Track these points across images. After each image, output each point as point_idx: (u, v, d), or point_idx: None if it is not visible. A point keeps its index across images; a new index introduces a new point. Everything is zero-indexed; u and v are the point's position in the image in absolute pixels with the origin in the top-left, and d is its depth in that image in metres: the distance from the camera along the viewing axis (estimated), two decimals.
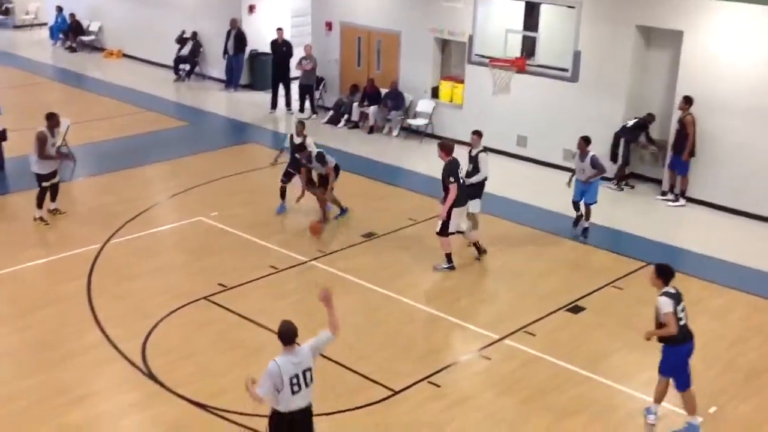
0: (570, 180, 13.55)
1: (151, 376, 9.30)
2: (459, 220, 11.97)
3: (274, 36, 20.60)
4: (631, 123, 15.51)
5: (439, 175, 12.12)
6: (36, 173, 13.29)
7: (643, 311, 11.05)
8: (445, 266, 12.11)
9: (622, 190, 15.66)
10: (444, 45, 18.57)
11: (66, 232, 13.11)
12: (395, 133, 18.82)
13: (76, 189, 15.27)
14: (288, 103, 20.54)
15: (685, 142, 14.64)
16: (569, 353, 10.06)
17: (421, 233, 13.43)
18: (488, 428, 8.67)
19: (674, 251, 13.20)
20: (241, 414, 8.70)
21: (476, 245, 12.46)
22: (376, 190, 15.43)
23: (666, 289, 8.39)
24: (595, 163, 13.02)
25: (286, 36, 20.76)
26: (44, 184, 13.31)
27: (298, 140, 13.81)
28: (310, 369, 7.19)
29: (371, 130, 19.01)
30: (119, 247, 12.62)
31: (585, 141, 13.17)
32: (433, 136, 18.30)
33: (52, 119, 13.32)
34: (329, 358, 9.76)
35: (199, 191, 15.05)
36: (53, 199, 13.60)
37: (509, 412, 8.96)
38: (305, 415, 7.33)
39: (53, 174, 13.42)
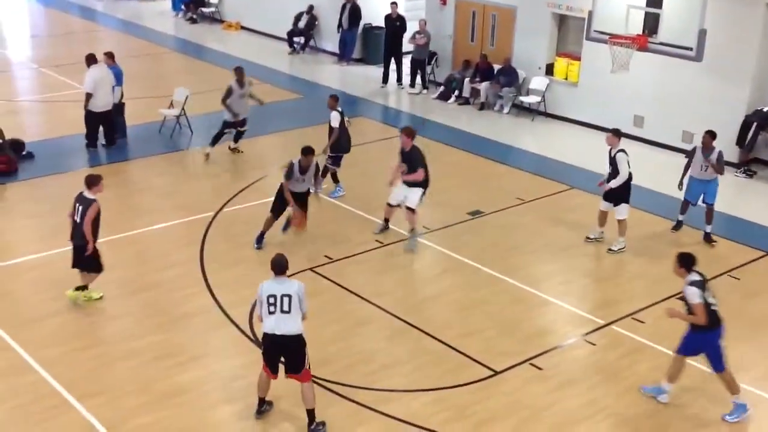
0: (681, 180, 12.49)
1: (258, 343, 9.56)
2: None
3: (388, 11, 20.60)
4: (767, 109, 14.77)
5: (548, 154, 11.89)
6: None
7: (758, 302, 10.64)
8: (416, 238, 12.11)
9: (751, 176, 14.95)
10: (561, 20, 18.11)
11: (182, 199, 13.58)
12: (506, 110, 18.55)
13: (192, 158, 15.78)
14: (399, 78, 20.54)
15: None
16: (677, 342, 9.72)
17: (529, 212, 13.24)
18: (589, 414, 8.53)
19: None
20: (344, 385, 8.84)
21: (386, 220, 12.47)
22: (484, 168, 15.28)
23: (691, 277, 8.22)
24: (720, 160, 12.14)
25: (401, 10, 20.72)
26: (226, 131, 15.23)
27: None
28: (290, 296, 7.74)
29: (482, 107, 18.80)
30: (232, 216, 12.99)
31: (711, 135, 12.14)
32: (545, 114, 17.96)
33: (239, 73, 15.22)
34: (433, 336, 9.81)
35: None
36: (236, 140, 15.54)
37: (611, 399, 8.78)
38: (281, 342, 7.76)
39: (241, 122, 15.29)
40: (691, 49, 15.66)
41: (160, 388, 8.77)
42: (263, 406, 8.34)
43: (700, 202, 12.44)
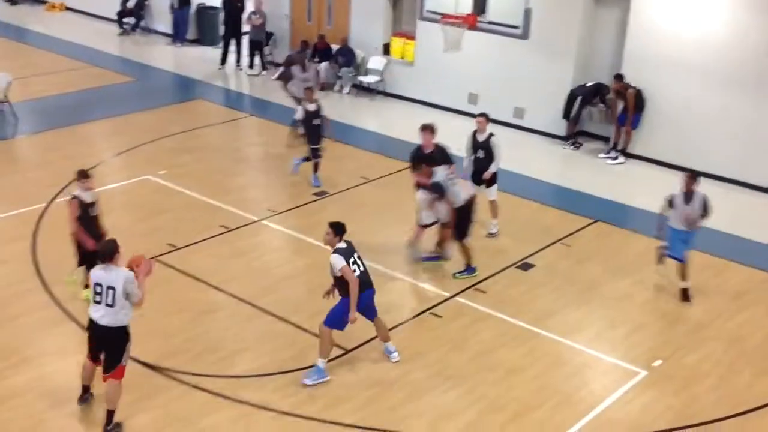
0: (660, 236, 10.64)
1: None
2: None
3: None
4: (590, 84, 15.62)
5: (389, 133, 12.07)
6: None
7: (588, 267, 11.30)
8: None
9: (578, 148, 15.80)
10: (395, 1, 18.37)
11: (10, 191, 12.79)
12: (346, 90, 18.66)
13: (19, 146, 14.90)
14: (238, 60, 20.19)
15: (627, 113, 14.99)
16: (518, 310, 10.22)
17: (373, 192, 13.41)
18: (437, 384, 8.79)
19: (620, 207, 13.44)
20: (193, 374, 8.68)
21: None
22: (329, 149, 15.32)
23: (338, 246, 8.63)
24: (707, 205, 10.29)
25: None
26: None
27: (311, 107, 13.15)
28: (114, 288, 7.54)
29: (322, 87, 18.77)
30: (65, 206, 12.35)
31: (693, 178, 10.23)
32: (384, 93, 18.21)
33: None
34: (283, 319, 9.78)
35: (146, 149, 14.78)
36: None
37: (459, 369, 9.09)
38: (100, 330, 7.66)
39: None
40: (517, 27, 16.29)
41: None
42: (86, 395, 8.10)
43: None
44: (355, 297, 8.52)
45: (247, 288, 10.42)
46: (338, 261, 8.51)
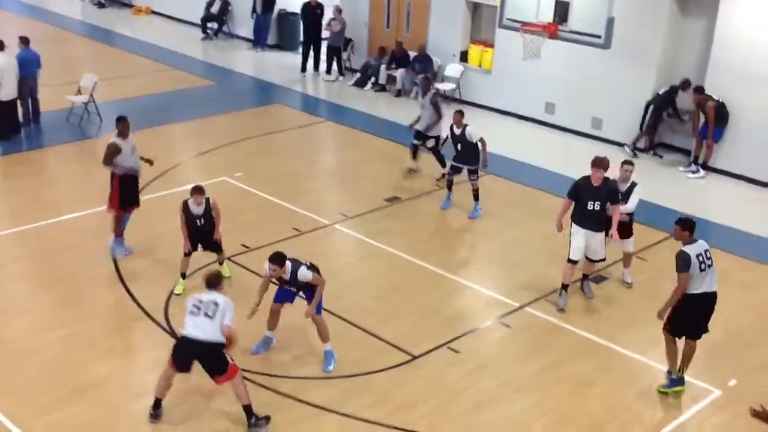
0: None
1: (174, 335, 9.39)
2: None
3: None
4: (663, 91, 15.29)
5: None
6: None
7: (664, 283, 10.97)
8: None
9: (661, 157, 15.45)
10: (475, 8, 18.32)
11: (92, 189, 13.19)
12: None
13: (102, 146, 15.32)
14: (316, 65, 20.43)
15: (708, 126, 14.60)
16: (590, 323, 10.03)
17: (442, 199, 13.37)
18: (506, 394, 8.70)
19: (699, 222, 13.02)
20: (262, 374, 8.78)
21: None
22: (401, 155, 15.35)
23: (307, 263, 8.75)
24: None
25: None
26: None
27: (458, 130, 12.58)
28: (217, 303, 7.78)
29: (398, 94, 18.88)
30: (146, 205, 12.66)
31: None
32: (460, 101, 18.15)
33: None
34: (352, 323, 9.83)
35: (225, 151, 15.08)
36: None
37: (528, 380, 8.98)
38: (199, 344, 7.72)
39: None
40: (599, 36, 16.07)
41: (73, 383, 8.52)
42: (159, 410, 8.08)
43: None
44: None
45: None
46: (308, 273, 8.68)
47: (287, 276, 8.69)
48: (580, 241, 10.14)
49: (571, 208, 10.22)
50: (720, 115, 14.50)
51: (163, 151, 14.87)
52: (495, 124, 17.34)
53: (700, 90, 14.61)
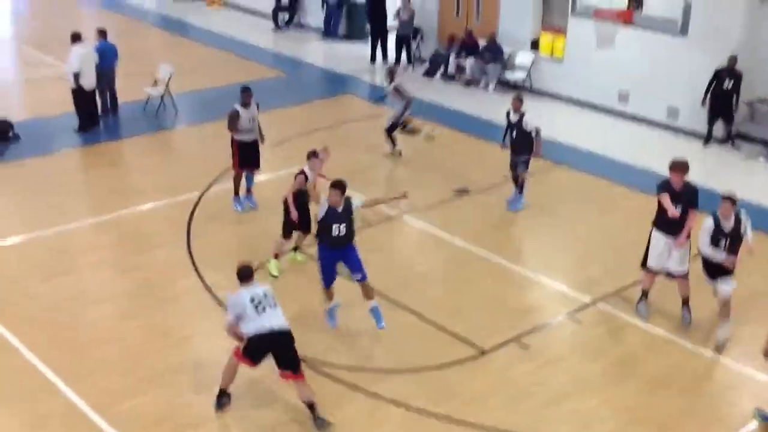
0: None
1: None
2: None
3: None
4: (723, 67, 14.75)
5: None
6: None
7: (739, 278, 10.66)
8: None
9: (733, 145, 15.12)
10: None
11: (169, 179, 13.51)
12: (492, 86, 18.50)
13: (177, 136, 15.69)
14: (384, 55, 20.43)
15: None
16: (662, 319, 9.83)
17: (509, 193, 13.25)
18: (575, 391, 8.60)
19: None
20: (331, 365, 8.86)
21: None
22: (470, 145, 15.28)
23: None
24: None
25: None
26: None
27: (514, 117, 12.39)
28: (266, 293, 7.98)
29: (468, 83, 18.75)
30: (219, 195, 12.94)
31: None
32: (531, 90, 17.93)
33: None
34: (420, 315, 9.84)
35: (296, 142, 15.23)
36: None
37: (597, 376, 8.86)
38: (283, 335, 7.85)
39: None
40: (676, 23, 15.65)
41: (149, 370, 8.77)
42: (226, 398, 8.25)
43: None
44: None
45: (386, 283, 10.52)
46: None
47: (341, 207, 9.03)
48: (661, 247, 9.61)
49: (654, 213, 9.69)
50: None
51: None
52: (566, 113, 17.09)
53: None
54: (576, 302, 10.25)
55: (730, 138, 15.21)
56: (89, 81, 15.01)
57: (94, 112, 15.52)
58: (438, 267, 11.13)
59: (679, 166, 9.45)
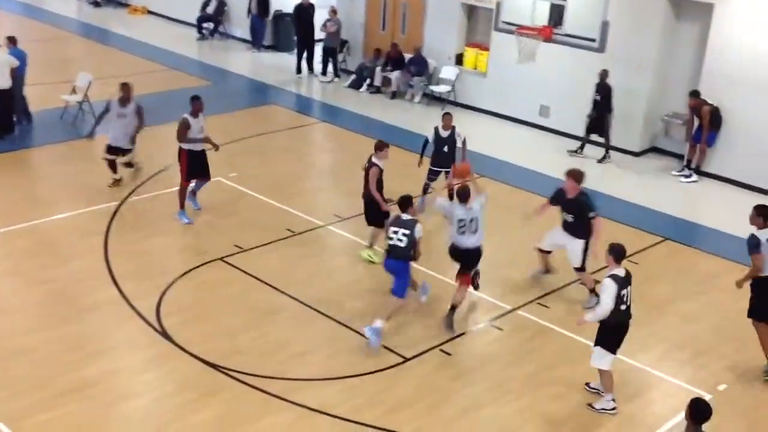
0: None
1: (165, 335, 9.40)
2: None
3: None
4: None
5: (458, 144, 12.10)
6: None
7: (655, 286, 11.03)
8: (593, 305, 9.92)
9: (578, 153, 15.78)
10: (470, 11, 18.35)
11: (85, 189, 13.19)
12: (417, 99, 18.69)
13: (95, 145, 15.33)
14: (310, 66, 20.43)
15: (702, 131, 14.64)
16: (581, 328, 10.01)
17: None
18: (497, 397, 8.71)
19: (691, 226, 13.12)
20: (254, 375, 8.78)
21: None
22: (396, 157, 15.31)
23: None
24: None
25: None
26: None
27: (445, 133, 12.63)
28: (475, 218, 9.67)
29: (393, 96, 18.90)
30: (138, 205, 12.70)
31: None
32: (455, 103, 18.17)
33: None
34: (344, 324, 9.83)
35: (220, 151, 15.02)
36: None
37: (519, 383, 8.99)
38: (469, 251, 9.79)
39: None
40: (594, 40, 16.10)
41: (63, 383, 8.50)
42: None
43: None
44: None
45: (311, 291, 10.51)
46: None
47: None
48: (556, 235, 10.47)
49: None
50: (714, 120, 14.56)
51: (157, 151, 14.85)
52: (489, 126, 17.37)
53: (695, 94, 14.64)
54: (498, 309, 10.39)
55: (606, 152, 15.64)
56: (4, 81, 14.60)
57: (9, 119, 15.07)
58: (363, 276, 11.14)
59: (573, 174, 10.12)
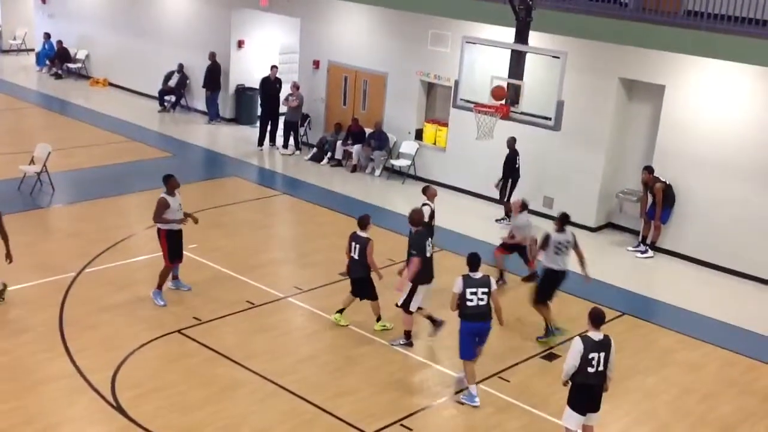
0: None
1: (120, 410, 9.17)
2: (423, 296, 11.19)
3: (263, 71, 20.77)
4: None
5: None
6: None
7: (616, 361, 11.06)
8: (403, 342, 11.17)
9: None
10: (429, 88, 18.76)
11: (41, 260, 12.99)
12: (378, 172, 18.91)
13: (53, 216, 15.17)
14: (273, 139, 20.61)
15: (656, 208, 15.00)
16: (542, 401, 10.04)
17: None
18: None
19: (648, 302, 13.31)
20: None
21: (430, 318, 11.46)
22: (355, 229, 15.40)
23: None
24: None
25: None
26: None
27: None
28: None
29: (354, 169, 19.09)
30: (94, 277, 12.52)
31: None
32: (415, 177, 18.41)
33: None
34: (305, 399, 9.70)
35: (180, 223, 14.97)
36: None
37: None
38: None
39: None
40: (550, 119, 16.49)
41: None
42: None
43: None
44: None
45: (270, 365, 10.38)
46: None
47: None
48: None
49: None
50: (667, 197, 14.93)
51: (116, 222, 14.77)
52: (448, 200, 17.56)
53: (648, 169, 15.04)
54: (460, 384, 10.34)
55: (506, 214, 16.33)
56: None
57: None
58: (323, 349, 11.04)
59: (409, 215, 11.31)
